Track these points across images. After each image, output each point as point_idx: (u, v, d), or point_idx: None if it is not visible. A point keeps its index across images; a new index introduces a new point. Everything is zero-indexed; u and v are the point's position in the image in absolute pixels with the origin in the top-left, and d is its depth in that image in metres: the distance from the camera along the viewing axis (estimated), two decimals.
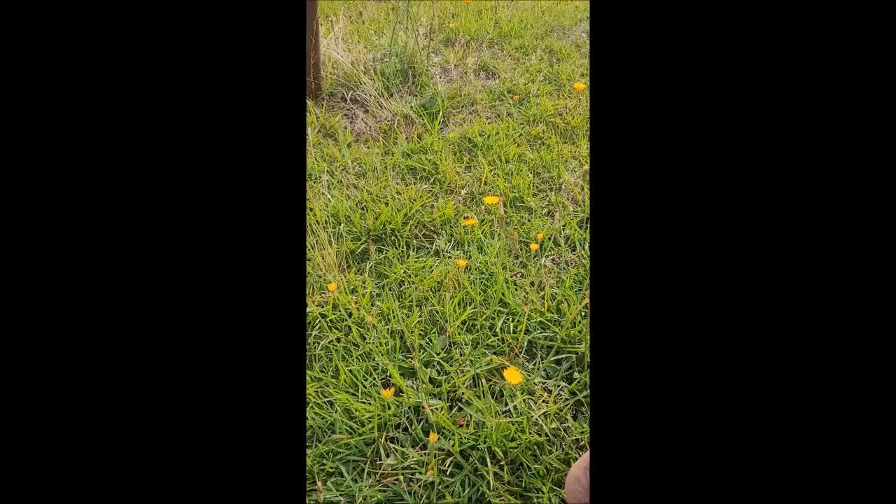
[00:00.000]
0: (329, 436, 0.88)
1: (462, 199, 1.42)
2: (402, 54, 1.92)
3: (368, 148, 1.63)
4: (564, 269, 1.21)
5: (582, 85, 1.78)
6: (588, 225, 1.33)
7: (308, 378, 0.97)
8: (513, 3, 2.61)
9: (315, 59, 1.77)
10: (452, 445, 0.86)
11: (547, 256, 1.25)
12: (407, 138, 1.67)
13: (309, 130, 1.64)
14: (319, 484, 0.80)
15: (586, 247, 1.26)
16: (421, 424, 0.90)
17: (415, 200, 1.38)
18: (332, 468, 0.85)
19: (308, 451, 0.87)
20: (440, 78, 1.99)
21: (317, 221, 1.29)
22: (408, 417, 0.91)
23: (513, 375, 0.82)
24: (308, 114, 1.73)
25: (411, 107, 1.78)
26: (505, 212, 1.36)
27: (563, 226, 1.32)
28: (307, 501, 0.81)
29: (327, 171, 1.48)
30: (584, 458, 0.79)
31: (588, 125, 1.72)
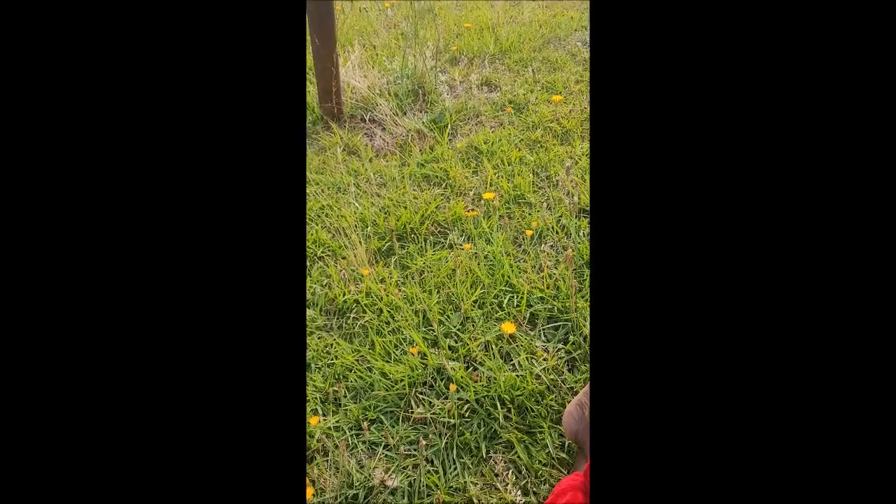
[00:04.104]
0: (370, 393, 1.10)
1: (470, 199, 1.63)
2: (413, 76, 2.15)
3: (387, 161, 1.85)
4: (561, 252, 1.41)
5: (559, 97, 1.99)
6: (580, 215, 1.52)
7: (349, 350, 1.18)
8: (511, 19, 2.82)
9: (336, 87, 2.00)
10: (469, 395, 1.06)
11: (546, 243, 1.45)
12: (420, 150, 1.89)
13: (336, 150, 1.87)
14: (366, 426, 1.01)
15: (580, 233, 1.45)
16: (443, 381, 1.10)
17: (429, 203, 1.59)
18: (373, 417, 1.06)
19: (353, 405, 1.08)
20: (447, 94, 2.21)
21: (348, 225, 1.52)
22: (432, 376, 1.12)
23: (508, 327, 1.02)
24: (333, 135, 1.96)
25: (423, 122, 2.00)
26: (508, 207, 1.56)
27: (560, 216, 1.51)
28: (357, 442, 1.02)
29: (354, 184, 1.71)
30: (576, 398, 0.98)
31: (581, 127, 1.92)
